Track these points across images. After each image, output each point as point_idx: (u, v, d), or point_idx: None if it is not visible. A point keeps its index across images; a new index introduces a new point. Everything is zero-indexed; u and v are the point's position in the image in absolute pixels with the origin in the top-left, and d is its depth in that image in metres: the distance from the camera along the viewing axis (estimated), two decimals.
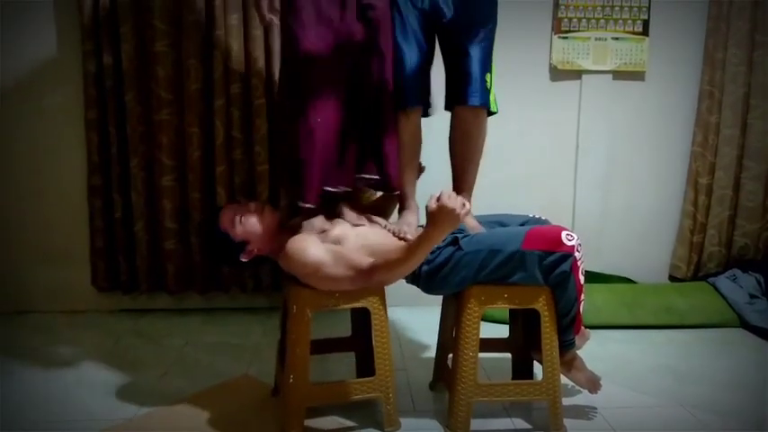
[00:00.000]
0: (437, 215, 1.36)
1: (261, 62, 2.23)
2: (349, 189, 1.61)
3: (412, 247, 1.44)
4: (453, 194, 1.37)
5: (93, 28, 2.19)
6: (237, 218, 1.54)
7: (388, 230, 1.63)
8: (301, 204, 1.53)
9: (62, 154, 2.34)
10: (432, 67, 1.75)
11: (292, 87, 1.56)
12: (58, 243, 2.38)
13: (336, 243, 1.50)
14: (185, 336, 2.20)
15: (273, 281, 2.38)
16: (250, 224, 1.54)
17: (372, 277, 1.48)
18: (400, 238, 1.58)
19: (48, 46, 2.28)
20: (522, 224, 1.69)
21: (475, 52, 1.67)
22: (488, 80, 1.69)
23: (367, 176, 1.63)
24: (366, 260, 1.47)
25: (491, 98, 1.72)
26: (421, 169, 1.84)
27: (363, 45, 1.58)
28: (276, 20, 1.59)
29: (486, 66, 1.69)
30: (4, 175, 2.34)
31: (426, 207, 1.38)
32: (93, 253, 2.34)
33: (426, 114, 1.78)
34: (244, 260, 1.55)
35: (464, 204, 1.36)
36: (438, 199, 1.35)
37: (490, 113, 1.74)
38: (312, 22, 1.53)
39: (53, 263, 2.38)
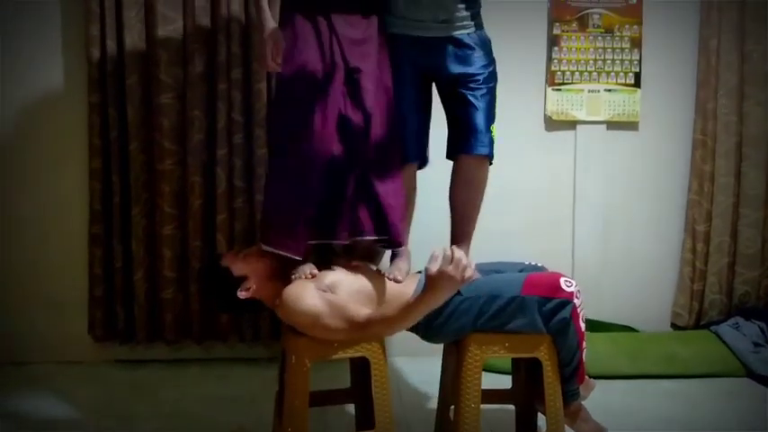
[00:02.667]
0: (437, 281, 1.29)
1: (263, 113, 2.29)
2: (344, 242, 1.62)
3: (409, 308, 1.40)
4: (457, 257, 1.27)
5: (100, 80, 2.25)
6: (240, 254, 1.56)
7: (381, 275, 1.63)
8: (286, 254, 1.54)
9: (64, 202, 2.35)
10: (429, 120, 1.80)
11: (278, 139, 1.60)
12: (56, 291, 2.36)
13: (330, 289, 1.50)
14: (182, 388, 2.16)
15: (272, 330, 2.36)
16: (251, 260, 1.56)
17: (367, 330, 1.46)
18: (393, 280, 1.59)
19: (55, 96, 2.33)
20: (520, 271, 1.70)
21: (480, 103, 1.72)
22: (493, 131, 1.74)
23: (374, 238, 1.64)
24: (363, 312, 1.46)
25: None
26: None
27: (351, 107, 1.61)
28: (279, 68, 1.62)
29: (491, 118, 1.75)
30: (4, 223, 2.35)
31: (426, 269, 1.31)
32: (91, 302, 2.33)
33: (420, 167, 1.82)
34: (242, 296, 1.54)
35: (466, 269, 1.27)
36: (439, 259, 1.28)
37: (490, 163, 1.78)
38: (301, 82, 1.58)
39: (50, 312, 2.36)
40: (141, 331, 2.33)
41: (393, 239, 1.64)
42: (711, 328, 2.54)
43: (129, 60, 2.24)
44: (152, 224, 2.31)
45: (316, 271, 1.57)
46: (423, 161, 1.82)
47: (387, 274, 1.62)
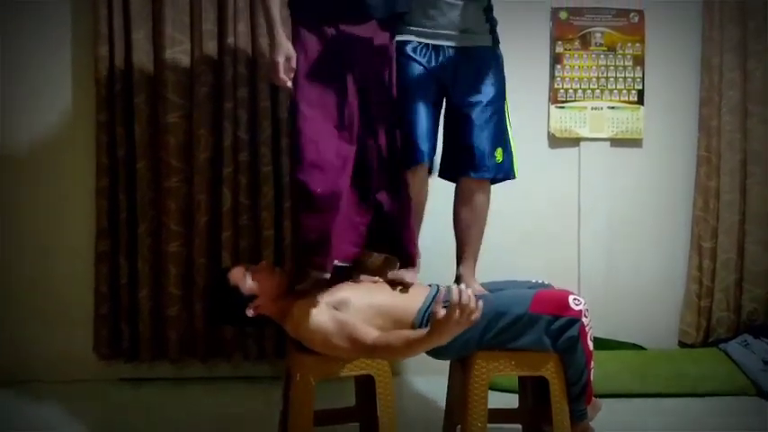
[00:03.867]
0: (443, 325, 1.31)
1: (268, 132, 2.31)
2: (359, 257, 1.62)
3: (412, 344, 1.41)
4: (463, 302, 1.28)
5: (109, 99, 2.27)
6: (248, 272, 1.55)
7: (389, 276, 1.63)
8: (319, 274, 1.54)
9: (70, 220, 2.37)
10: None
11: (297, 157, 1.61)
12: (62, 309, 2.37)
13: (341, 306, 1.50)
14: (186, 407, 2.15)
15: (277, 348, 2.35)
16: (260, 278, 1.55)
17: (372, 355, 1.47)
18: (399, 283, 1.58)
19: (63, 115, 2.36)
20: (529, 289, 1.69)
21: (482, 126, 1.72)
22: (499, 155, 1.73)
23: (389, 255, 1.64)
24: (370, 336, 1.46)
25: (514, 165, 1.77)
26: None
27: (365, 119, 1.62)
28: (290, 82, 1.62)
29: (497, 140, 1.74)
30: (12, 239, 2.36)
31: (432, 313, 1.33)
32: (96, 319, 2.33)
33: (428, 173, 1.82)
34: (250, 314, 1.54)
35: (472, 313, 1.29)
36: (440, 307, 1.30)
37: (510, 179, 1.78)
38: (315, 100, 1.59)
39: (55, 330, 2.36)
40: (146, 349, 2.32)
41: (409, 256, 1.64)
42: (720, 345, 2.51)
43: (137, 80, 2.27)
44: (158, 241, 2.32)
45: (333, 288, 1.57)
46: (431, 166, 1.82)
47: (396, 277, 1.61)
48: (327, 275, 1.54)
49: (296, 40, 1.63)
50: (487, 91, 1.75)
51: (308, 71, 1.60)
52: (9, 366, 2.34)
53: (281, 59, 1.58)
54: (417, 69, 1.72)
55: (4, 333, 2.36)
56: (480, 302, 1.32)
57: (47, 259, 2.37)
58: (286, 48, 1.59)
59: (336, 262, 1.57)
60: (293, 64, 1.59)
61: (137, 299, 2.31)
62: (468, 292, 1.29)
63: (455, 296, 1.28)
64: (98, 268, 2.32)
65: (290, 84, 1.60)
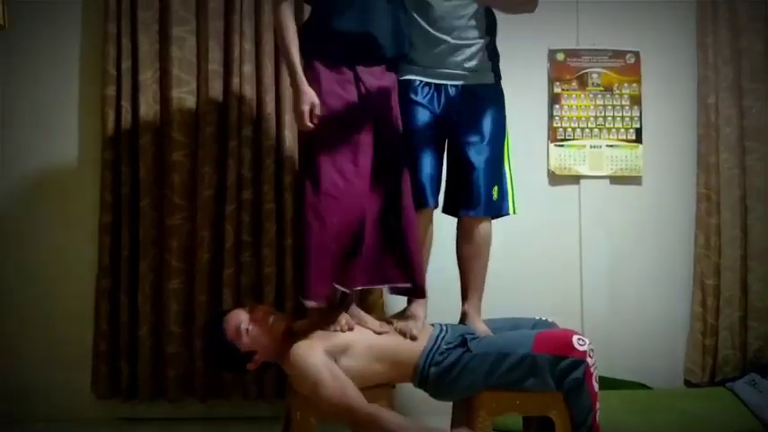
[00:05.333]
0: None
1: (272, 169, 2.33)
2: (365, 287, 1.62)
3: (402, 429, 1.40)
4: None
5: (114, 138, 2.31)
6: (244, 328, 1.52)
7: (396, 329, 1.62)
8: (303, 301, 1.54)
9: (72, 257, 2.37)
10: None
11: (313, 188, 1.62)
12: (61, 347, 2.34)
13: (341, 353, 1.48)
14: None
15: (276, 388, 2.32)
16: (257, 333, 1.53)
17: (357, 423, 1.44)
18: (406, 336, 1.57)
19: (68, 153, 2.39)
20: (532, 327, 1.68)
21: (481, 165, 1.74)
22: (495, 192, 1.75)
23: (398, 285, 1.64)
24: (357, 401, 1.43)
25: (511, 203, 1.78)
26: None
27: (378, 154, 1.66)
28: (312, 126, 1.67)
29: (494, 178, 1.76)
30: (13, 276, 2.36)
31: None
32: (95, 357, 2.31)
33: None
34: (251, 368, 1.53)
35: None
36: None
37: (503, 215, 1.79)
38: (333, 135, 1.63)
39: (54, 367, 2.34)
40: (144, 388, 2.29)
41: (418, 288, 1.64)
42: (727, 385, 2.47)
43: (142, 119, 2.30)
44: (159, 278, 2.32)
45: (353, 324, 1.56)
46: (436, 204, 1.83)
47: (402, 328, 1.60)
48: (323, 305, 1.54)
49: (310, 72, 1.69)
50: (487, 130, 1.78)
51: (325, 106, 1.65)
52: (6, 404, 2.31)
53: (306, 108, 1.65)
54: (421, 112, 1.75)
55: (3, 370, 2.33)
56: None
57: (47, 296, 2.36)
58: (310, 96, 1.66)
59: (339, 287, 1.58)
60: (317, 111, 1.65)
61: (136, 337, 2.29)
62: None
63: None
64: (99, 305, 2.31)
65: (312, 127, 1.66)
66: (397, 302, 1.93)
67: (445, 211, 1.84)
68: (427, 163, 1.74)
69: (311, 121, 1.65)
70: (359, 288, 1.64)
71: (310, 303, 1.55)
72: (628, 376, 2.48)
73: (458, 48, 1.74)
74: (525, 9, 1.77)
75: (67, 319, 2.36)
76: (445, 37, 1.73)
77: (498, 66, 1.84)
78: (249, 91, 2.33)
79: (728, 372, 2.52)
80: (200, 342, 2.28)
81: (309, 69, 1.70)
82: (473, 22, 1.76)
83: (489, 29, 1.81)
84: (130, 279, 2.31)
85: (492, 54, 1.82)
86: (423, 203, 1.72)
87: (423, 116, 1.75)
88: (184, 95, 2.33)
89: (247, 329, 1.52)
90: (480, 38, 1.77)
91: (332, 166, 1.61)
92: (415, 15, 1.75)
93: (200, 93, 2.33)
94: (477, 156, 1.74)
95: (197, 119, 2.33)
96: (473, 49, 1.76)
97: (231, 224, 2.31)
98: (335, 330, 1.53)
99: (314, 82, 1.68)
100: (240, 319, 1.55)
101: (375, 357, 1.49)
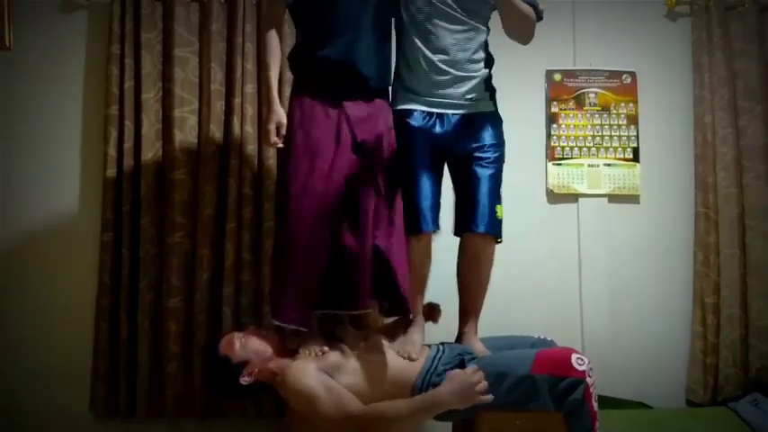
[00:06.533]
0: (441, 407, 1.38)
1: (272, 188, 2.34)
2: (353, 312, 1.63)
3: (404, 414, 1.43)
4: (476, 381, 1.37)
5: (117, 156, 2.32)
6: (238, 340, 1.54)
7: (395, 351, 1.62)
8: (275, 322, 1.56)
9: (72, 275, 2.37)
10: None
11: (283, 212, 1.66)
12: (59, 365, 2.33)
13: (334, 370, 1.48)
14: None
15: (276, 407, 2.30)
16: (251, 343, 1.54)
17: (360, 424, 1.44)
18: (404, 357, 1.57)
19: (69, 172, 2.40)
20: (531, 346, 1.68)
21: (485, 183, 1.76)
22: (498, 211, 1.77)
23: (380, 301, 1.65)
24: (356, 406, 1.44)
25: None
26: (437, 312, 1.85)
27: (359, 176, 1.68)
28: (280, 144, 1.78)
29: (496, 197, 1.78)
30: (12, 295, 2.36)
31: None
32: (94, 376, 2.30)
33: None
34: (245, 381, 1.53)
35: (476, 395, 1.40)
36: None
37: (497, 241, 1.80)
38: (306, 157, 1.66)
39: (52, 386, 2.32)
40: (143, 407, 2.28)
41: (403, 307, 1.64)
42: (729, 404, 2.45)
43: (144, 138, 2.32)
44: (159, 297, 2.32)
45: (325, 348, 1.56)
46: (436, 230, 1.84)
47: (399, 351, 1.61)
48: (304, 330, 1.55)
49: (296, 105, 1.75)
50: (490, 149, 1.80)
51: (306, 134, 1.71)
52: (5, 424, 2.29)
53: (272, 126, 1.76)
54: (419, 138, 1.78)
55: (1, 389, 2.32)
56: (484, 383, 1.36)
57: (47, 315, 2.36)
58: (279, 115, 1.76)
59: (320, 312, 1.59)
60: (283, 131, 1.75)
61: (135, 355, 2.29)
62: (480, 375, 1.34)
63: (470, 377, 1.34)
64: (98, 324, 2.31)
65: (280, 145, 1.76)
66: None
67: (456, 234, 1.85)
68: (426, 188, 1.76)
69: (276, 138, 1.75)
70: (346, 312, 1.65)
71: (285, 326, 1.57)
72: (628, 395, 2.46)
73: (461, 79, 1.77)
74: (527, 29, 1.80)
75: (67, 338, 2.35)
76: (449, 69, 1.76)
77: (495, 97, 1.88)
78: (251, 110, 2.36)
79: (730, 391, 2.50)
80: (199, 361, 2.28)
81: (294, 94, 1.80)
82: (476, 56, 1.79)
83: (487, 63, 1.85)
84: (130, 297, 2.31)
85: (489, 86, 1.86)
86: (420, 228, 1.73)
87: (420, 142, 1.77)
88: (187, 115, 2.35)
89: (240, 339, 1.54)
90: (481, 70, 1.81)
91: (306, 191, 1.65)
92: (420, 44, 1.77)
93: (201, 112, 2.36)
94: (483, 170, 1.76)
95: (198, 138, 2.35)
96: (474, 81, 1.79)
97: (231, 242, 2.32)
98: (303, 354, 1.54)
99: (297, 107, 1.76)
100: (235, 335, 1.57)
101: (371, 376, 1.49)
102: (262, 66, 1.89)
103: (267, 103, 1.84)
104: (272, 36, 1.81)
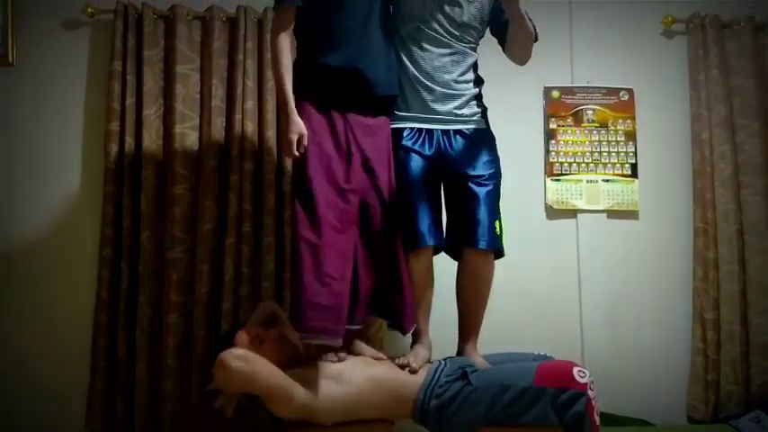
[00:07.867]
0: None
1: (272, 202, 2.35)
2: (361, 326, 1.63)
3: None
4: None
5: (117, 171, 2.33)
6: (257, 339, 1.54)
7: (397, 363, 1.61)
8: (331, 343, 1.55)
9: (71, 291, 2.37)
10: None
11: (306, 224, 1.65)
12: (56, 381, 2.32)
13: (336, 377, 1.48)
14: None
15: (274, 424, 2.28)
16: (267, 353, 1.54)
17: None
18: (405, 369, 1.56)
19: (70, 186, 2.41)
20: (532, 361, 1.67)
21: (483, 199, 1.77)
22: (498, 226, 1.78)
23: (383, 319, 1.66)
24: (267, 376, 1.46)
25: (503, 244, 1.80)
26: None
27: (368, 192, 1.69)
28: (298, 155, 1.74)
29: (495, 213, 1.79)
30: (11, 310, 2.35)
31: None
32: (91, 392, 2.28)
33: (436, 252, 1.84)
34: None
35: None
36: None
37: (499, 256, 1.81)
38: (321, 169, 1.66)
39: (49, 403, 2.31)
40: (140, 424, 2.25)
41: (404, 322, 1.64)
42: (731, 422, 2.43)
43: (145, 154, 2.33)
44: (157, 312, 2.31)
45: (343, 354, 1.56)
46: (438, 245, 1.84)
47: (401, 362, 1.60)
48: (340, 342, 1.54)
49: (302, 112, 1.74)
50: (486, 165, 1.81)
51: (315, 145, 1.70)
52: None
53: (294, 137, 1.70)
54: (414, 157, 1.80)
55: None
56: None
57: (44, 330, 2.35)
58: (299, 126, 1.71)
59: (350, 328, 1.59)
60: (305, 142, 1.71)
61: (133, 371, 2.27)
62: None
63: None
64: (96, 339, 2.29)
65: (298, 156, 1.71)
66: (397, 337, 1.93)
67: (449, 252, 1.85)
68: (423, 205, 1.77)
69: (298, 151, 1.70)
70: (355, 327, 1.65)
71: (309, 338, 1.56)
72: (629, 412, 2.44)
73: (449, 96, 1.81)
74: (529, 47, 1.84)
75: (65, 354, 2.34)
76: (436, 87, 1.80)
77: (487, 115, 1.90)
78: (251, 126, 2.37)
79: (732, 408, 2.49)
80: (197, 377, 2.26)
81: (299, 107, 1.75)
82: (464, 77, 1.83)
83: (476, 83, 1.88)
84: (128, 313, 2.30)
85: (480, 103, 1.88)
86: (419, 242, 1.74)
87: (415, 161, 1.80)
88: (187, 131, 2.37)
89: (261, 339, 1.55)
90: (470, 90, 1.84)
91: (323, 206, 1.64)
92: (407, 63, 1.81)
93: (202, 128, 2.37)
94: (480, 188, 1.78)
95: (199, 153, 2.36)
96: (463, 98, 1.82)
97: (231, 257, 2.31)
98: (332, 361, 1.54)
99: (303, 119, 1.73)
100: (251, 333, 1.60)
101: (372, 386, 1.48)
102: (274, 78, 1.80)
103: (285, 114, 1.75)
104: (284, 40, 1.73)
